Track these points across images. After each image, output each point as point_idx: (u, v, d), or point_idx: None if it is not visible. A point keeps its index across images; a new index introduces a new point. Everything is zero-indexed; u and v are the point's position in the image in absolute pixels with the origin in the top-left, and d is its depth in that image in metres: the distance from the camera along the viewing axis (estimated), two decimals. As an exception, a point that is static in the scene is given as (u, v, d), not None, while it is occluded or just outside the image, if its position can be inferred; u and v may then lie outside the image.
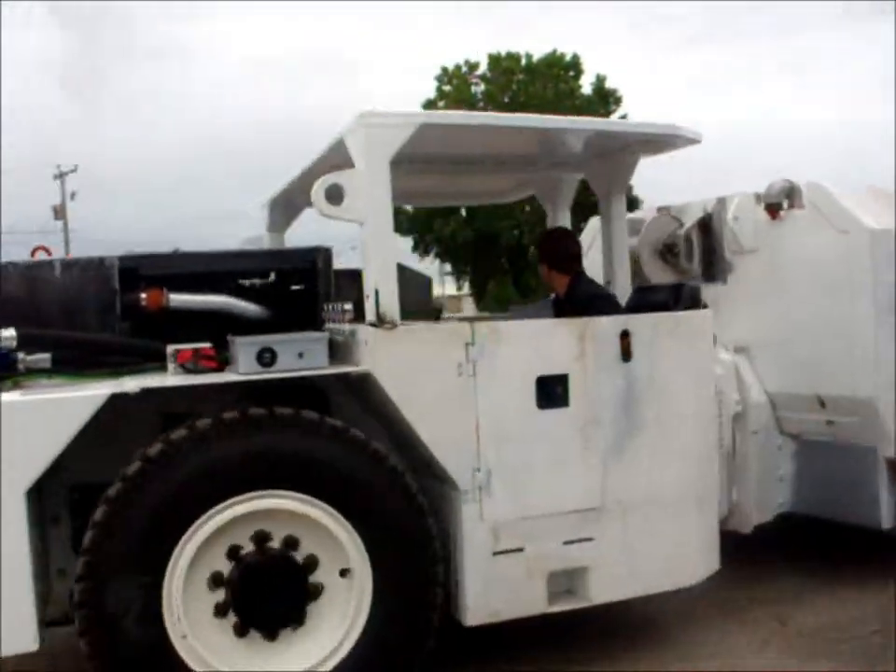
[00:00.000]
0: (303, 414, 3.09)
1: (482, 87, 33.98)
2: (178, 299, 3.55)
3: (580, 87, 32.66)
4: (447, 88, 34.06)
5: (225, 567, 3.09)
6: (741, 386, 4.68)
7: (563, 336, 3.48)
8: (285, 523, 3.12)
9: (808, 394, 4.58)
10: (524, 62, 33.10)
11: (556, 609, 3.50)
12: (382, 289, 3.23)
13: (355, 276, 4.19)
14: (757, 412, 4.70)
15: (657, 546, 3.65)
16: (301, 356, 3.19)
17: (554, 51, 32.92)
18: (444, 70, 34.35)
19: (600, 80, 32.69)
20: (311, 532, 3.16)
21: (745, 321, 4.91)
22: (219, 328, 3.47)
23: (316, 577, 3.18)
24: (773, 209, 4.69)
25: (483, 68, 33.90)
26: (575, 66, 32.78)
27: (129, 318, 3.47)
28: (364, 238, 3.25)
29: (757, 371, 4.81)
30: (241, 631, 3.07)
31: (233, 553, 3.08)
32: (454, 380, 3.29)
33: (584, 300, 3.96)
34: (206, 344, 3.28)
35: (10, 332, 3.14)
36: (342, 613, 3.18)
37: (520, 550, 3.42)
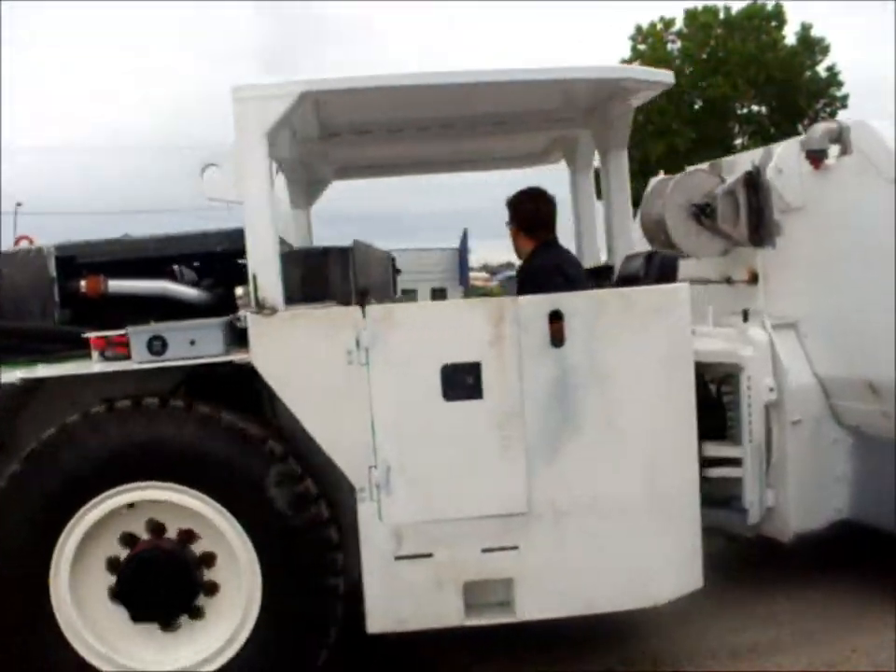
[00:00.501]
0: (171, 403, 3.00)
1: (678, 44, 31.87)
2: (117, 285, 3.59)
3: (783, 38, 29.54)
4: (642, 47, 32.35)
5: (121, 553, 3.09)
6: (777, 369, 3.92)
7: (474, 319, 3.08)
8: (181, 515, 3.06)
9: (858, 378, 3.74)
10: (722, 15, 30.57)
11: (475, 622, 3.14)
12: (260, 273, 3.05)
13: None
14: (799, 398, 3.92)
15: (605, 559, 3.15)
16: (192, 343, 3.10)
17: (755, 2, 30.02)
18: (638, 29, 32.64)
19: (805, 29, 29.36)
20: (209, 527, 3.08)
21: (793, 292, 4.12)
22: (164, 313, 3.46)
23: (214, 573, 3.10)
24: (815, 157, 3.85)
25: (678, 24, 31.78)
26: (777, 16, 29.69)
27: (68, 306, 3.57)
28: (244, 219, 3.08)
29: (807, 350, 4.01)
30: (134, 618, 3.07)
31: (128, 540, 3.07)
32: (343, 369, 3.03)
33: (529, 272, 3.49)
34: (121, 332, 3.29)
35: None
36: (234, 609, 3.08)
37: (428, 556, 3.10)
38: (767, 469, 3.97)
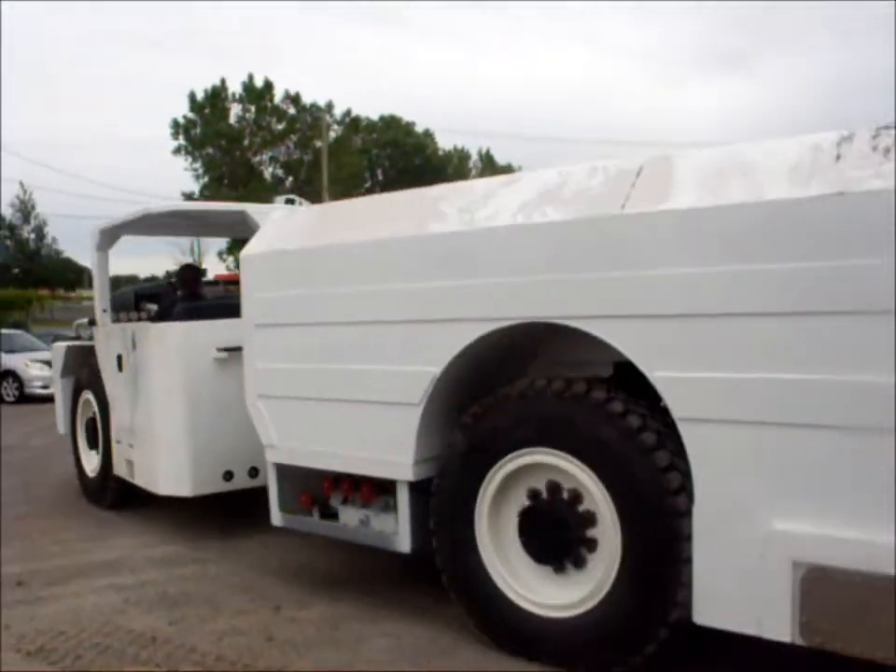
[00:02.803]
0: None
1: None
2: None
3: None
4: None
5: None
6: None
7: (120, 335, 6.33)
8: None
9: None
10: None
11: (132, 481, 6.41)
12: (96, 309, 6.90)
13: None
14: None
15: (153, 462, 6.01)
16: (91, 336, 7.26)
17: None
18: None
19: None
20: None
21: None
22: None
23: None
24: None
25: None
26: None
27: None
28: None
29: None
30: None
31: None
32: (106, 355, 6.70)
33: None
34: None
35: None
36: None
37: (120, 443, 6.53)
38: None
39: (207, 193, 42.66)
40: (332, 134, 44.63)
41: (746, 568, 2.94)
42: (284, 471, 4.63)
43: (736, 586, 2.98)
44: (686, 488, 3.15)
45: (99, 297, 6.89)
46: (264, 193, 38.73)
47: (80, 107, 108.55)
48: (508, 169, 60.00)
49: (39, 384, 16.53)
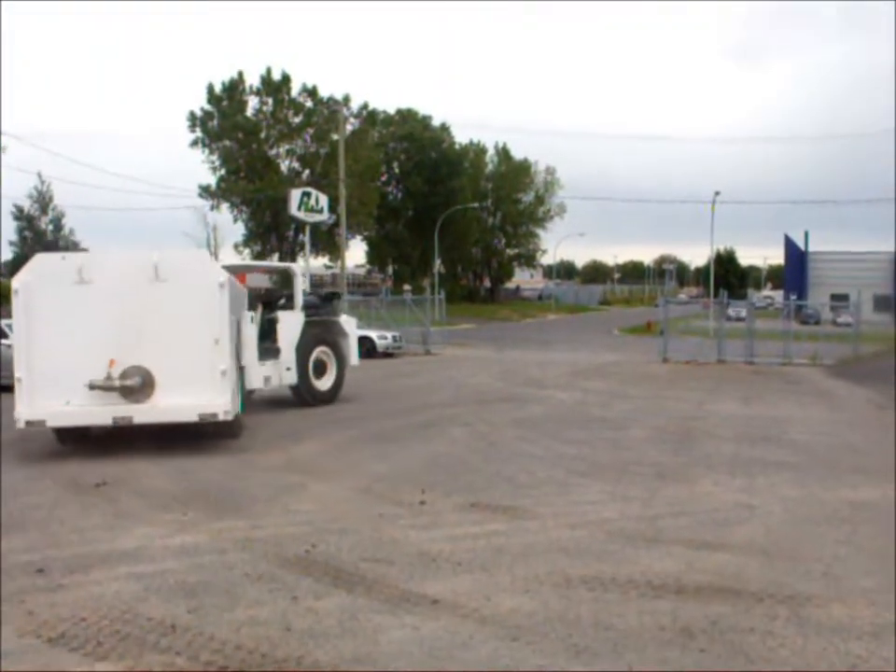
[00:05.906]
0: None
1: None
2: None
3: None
4: None
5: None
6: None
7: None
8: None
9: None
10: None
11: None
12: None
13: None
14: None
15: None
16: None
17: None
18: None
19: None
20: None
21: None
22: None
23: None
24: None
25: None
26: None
27: None
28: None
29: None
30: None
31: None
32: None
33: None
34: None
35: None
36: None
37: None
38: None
39: (223, 186, 42.56)
40: (349, 128, 44.13)
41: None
42: None
43: None
44: None
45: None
46: (280, 186, 38.77)
47: (99, 99, 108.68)
48: (524, 164, 59.36)
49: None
